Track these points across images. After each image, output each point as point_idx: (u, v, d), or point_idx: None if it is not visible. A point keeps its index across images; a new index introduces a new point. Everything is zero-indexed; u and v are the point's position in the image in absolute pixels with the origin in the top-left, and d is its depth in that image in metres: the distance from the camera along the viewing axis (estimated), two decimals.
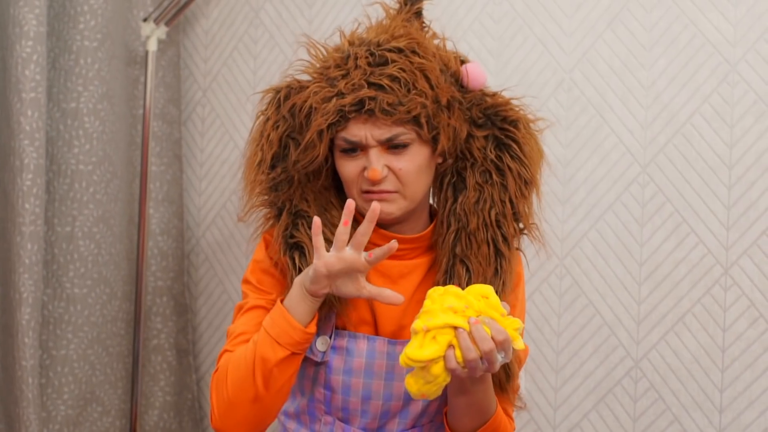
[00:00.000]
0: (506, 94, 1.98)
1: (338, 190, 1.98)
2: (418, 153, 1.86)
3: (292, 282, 1.88)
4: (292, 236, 1.91)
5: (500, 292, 1.90)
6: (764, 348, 2.41)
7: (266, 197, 1.94)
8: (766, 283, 2.40)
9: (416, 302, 1.93)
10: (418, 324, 1.68)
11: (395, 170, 1.84)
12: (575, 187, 2.60)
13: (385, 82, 1.80)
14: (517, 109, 1.95)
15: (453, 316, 1.67)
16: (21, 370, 2.59)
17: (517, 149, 1.91)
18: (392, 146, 1.84)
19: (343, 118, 1.82)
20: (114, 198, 2.88)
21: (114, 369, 2.92)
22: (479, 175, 1.91)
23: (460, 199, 1.91)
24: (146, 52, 2.90)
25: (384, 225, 1.93)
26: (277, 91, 1.94)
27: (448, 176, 1.94)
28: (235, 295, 3.07)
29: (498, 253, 1.91)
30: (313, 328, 1.82)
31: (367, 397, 1.91)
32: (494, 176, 1.91)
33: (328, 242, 1.88)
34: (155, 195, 3.03)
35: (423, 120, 1.82)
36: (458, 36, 2.71)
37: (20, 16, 2.56)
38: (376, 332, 1.93)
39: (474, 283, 1.87)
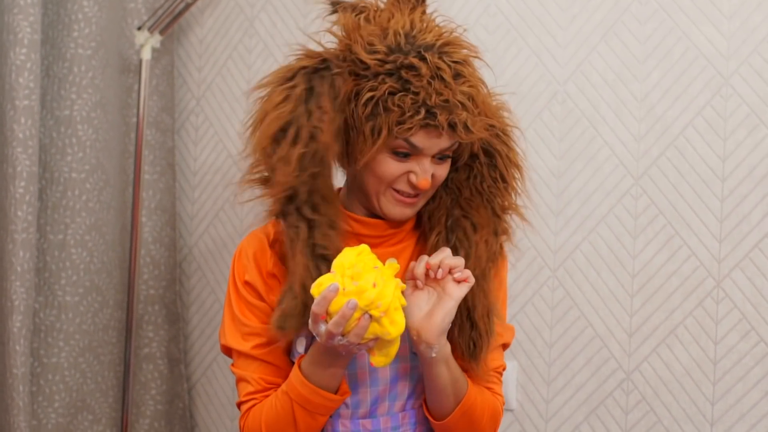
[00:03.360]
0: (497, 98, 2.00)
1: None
2: (449, 159, 1.91)
3: (299, 287, 1.85)
4: (323, 246, 1.86)
5: (497, 252, 1.95)
6: (756, 361, 2.41)
7: (303, 200, 1.86)
8: (758, 296, 2.41)
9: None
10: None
11: (436, 176, 1.88)
12: (568, 198, 2.60)
13: (464, 99, 1.81)
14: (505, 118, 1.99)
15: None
16: (12, 377, 2.59)
17: (504, 137, 1.95)
18: (440, 156, 1.87)
19: (421, 128, 1.81)
20: (107, 206, 2.88)
21: (105, 377, 2.92)
22: (468, 158, 1.94)
23: (450, 176, 1.94)
24: (140, 61, 2.90)
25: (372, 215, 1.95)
26: (319, 69, 1.86)
27: None
28: None
29: (495, 214, 1.95)
30: (346, 388, 1.87)
31: (354, 386, 1.91)
32: (482, 157, 1.93)
33: (329, 220, 1.87)
34: (148, 203, 3.02)
35: (486, 133, 1.88)
36: None
37: (14, 23, 2.56)
38: None
39: (481, 232, 1.92)
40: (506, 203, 1.96)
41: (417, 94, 1.78)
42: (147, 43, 2.90)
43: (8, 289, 2.58)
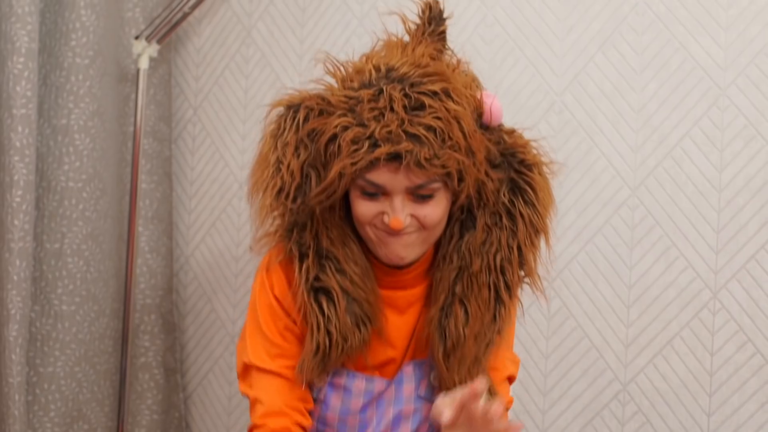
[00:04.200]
0: (524, 134, 1.93)
1: (351, 220, 1.88)
2: (442, 199, 1.80)
3: (314, 328, 1.83)
4: (317, 279, 1.83)
5: (492, 342, 1.88)
6: (752, 372, 2.41)
7: (287, 232, 1.86)
8: (755, 307, 2.40)
9: (419, 330, 1.92)
10: None
11: (419, 217, 1.78)
12: (565, 209, 2.60)
13: (422, 131, 1.70)
14: (534, 152, 1.89)
15: None
16: (7, 387, 2.58)
17: (532, 195, 1.86)
18: (418, 195, 1.77)
19: (372, 164, 1.72)
20: (103, 215, 2.87)
21: (101, 387, 2.91)
22: (489, 217, 1.85)
23: (466, 238, 1.86)
24: (137, 70, 2.90)
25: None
26: (292, 107, 1.83)
27: (457, 212, 1.87)
28: (223, 314, 3.06)
29: (498, 299, 1.86)
30: None
31: (363, 428, 1.91)
32: (504, 220, 1.85)
33: (343, 274, 1.83)
34: (145, 213, 3.02)
35: (454, 173, 1.75)
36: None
37: (12, 32, 2.56)
38: (381, 361, 1.91)
39: (472, 326, 1.84)
40: (517, 278, 1.88)
41: (366, 127, 1.71)
42: (144, 53, 2.90)
43: (4, 297, 2.58)
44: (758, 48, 2.41)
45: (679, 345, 2.49)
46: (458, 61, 1.88)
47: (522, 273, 1.89)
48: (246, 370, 1.93)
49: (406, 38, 1.90)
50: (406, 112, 1.71)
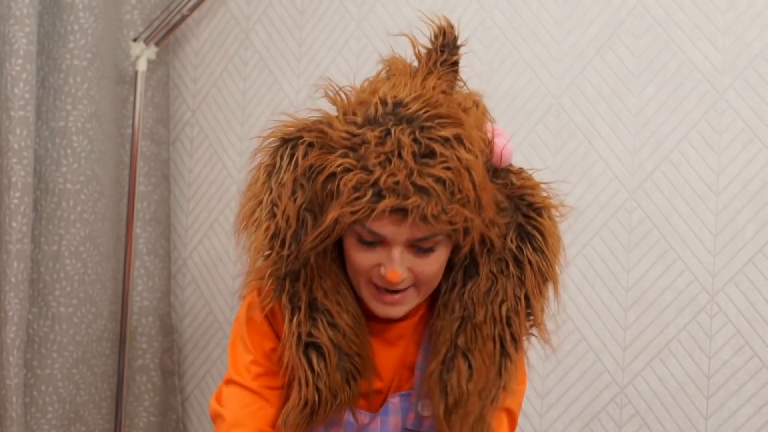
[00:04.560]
0: (534, 175, 1.79)
1: (343, 260, 1.74)
2: (443, 252, 1.67)
3: (302, 382, 1.72)
4: (309, 334, 1.70)
5: (497, 398, 1.74)
6: (749, 376, 2.41)
7: (279, 280, 1.70)
8: (752, 310, 2.41)
9: (410, 361, 1.82)
10: None
11: (416, 272, 1.64)
12: (562, 212, 2.60)
13: (431, 184, 1.54)
14: (544, 194, 1.76)
15: None
16: (5, 389, 2.58)
17: (541, 241, 1.72)
18: (419, 248, 1.62)
19: (374, 213, 1.57)
20: (101, 217, 2.87)
21: (98, 389, 2.91)
22: (494, 264, 1.70)
23: (469, 286, 1.71)
24: (136, 72, 2.90)
25: None
26: (288, 141, 1.68)
27: (460, 259, 1.72)
28: (221, 316, 3.06)
29: (504, 352, 1.72)
30: None
31: None
32: (511, 267, 1.70)
33: (335, 329, 1.71)
34: (142, 215, 3.02)
35: (461, 229, 1.61)
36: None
37: (10, 34, 2.56)
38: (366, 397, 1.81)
39: (476, 381, 1.71)
40: (524, 330, 1.73)
41: (370, 172, 1.55)
42: (143, 55, 2.90)
43: (2, 299, 2.58)
44: (756, 52, 2.41)
45: (677, 348, 2.49)
46: (470, 95, 1.75)
47: (529, 324, 1.75)
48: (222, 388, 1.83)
49: (415, 62, 1.76)
50: (415, 160, 1.55)
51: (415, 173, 1.54)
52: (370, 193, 1.55)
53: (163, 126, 3.07)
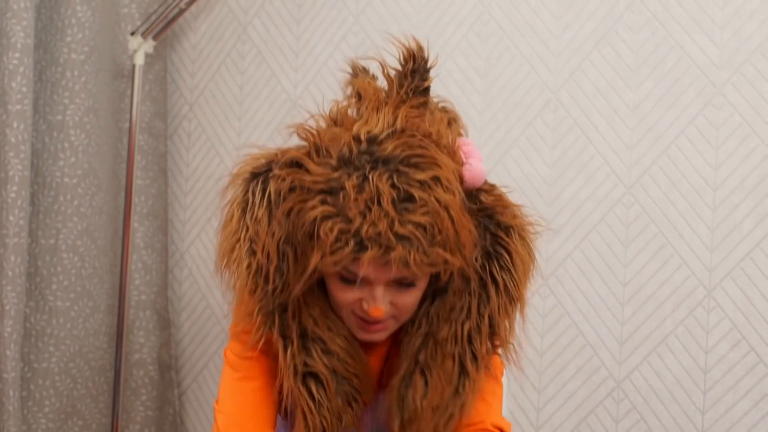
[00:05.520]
0: (504, 194, 1.75)
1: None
2: (422, 285, 1.66)
3: (306, 412, 1.72)
4: (305, 364, 1.70)
5: (455, 417, 1.73)
6: (746, 370, 2.41)
7: (268, 315, 1.69)
8: (749, 305, 2.41)
9: (388, 367, 1.84)
10: None
11: (397, 304, 1.65)
12: (560, 207, 2.60)
13: (411, 230, 1.53)
14: (514, 213, 1.71)
15: None
16: (2, 382, 2.58)
17: (507, 260, 1.69)
18: (400, 284, 1.62)
19: (355, 260, 1.56)
20: (98, 211, 2.87)
21: (96, 383, 2.91)
22: (461, 281, 1.69)
23: (436, 303, 1.71)
24: (133, 66, 2.90)
25: None
26: (258, 175, 1.67)
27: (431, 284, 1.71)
28: (218, 310, 3.06)
29: (463, 371, 1.71)
30: None
31: None
32: (474, 285, 1.69)
33: (330, 355, 1.71)
34: (140, 209, 3.02)
35: (441, 268, 1.59)
36: (445, 54, 2.72)
37: (7, 27, 2.56)
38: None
39: (430, 398, 1.70)
40: (485, 349, 1.72)
41: (350, 221, 1.53)
42: (140, 49, 2.89)
43: None
44: (753, 46, 2.41)
45: (674, 343, 2.49)
46: (444, 114, 1.72)
47: (492, 343, 1.73)
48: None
49: (385, 84, 1.72)
50: (394, 208, 1.53)
51: (396, 222, 1.52)
52: (352, 243, 1.53)
53: (161, 120, 3.07)
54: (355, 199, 1.53)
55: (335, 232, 1.53)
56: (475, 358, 1.70)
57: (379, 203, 1.52)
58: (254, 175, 1.67)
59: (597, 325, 2.57)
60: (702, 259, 2.46)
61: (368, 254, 1.53)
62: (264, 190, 1.64)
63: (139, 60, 2.90)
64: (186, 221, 3.13)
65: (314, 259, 1.56)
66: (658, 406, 2.51)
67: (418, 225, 1.53)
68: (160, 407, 3.09)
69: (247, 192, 1.66)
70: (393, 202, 1.53)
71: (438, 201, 1.55)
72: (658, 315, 2.51)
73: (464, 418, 1.76)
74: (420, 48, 1.68)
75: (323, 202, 1.55)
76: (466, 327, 1.69)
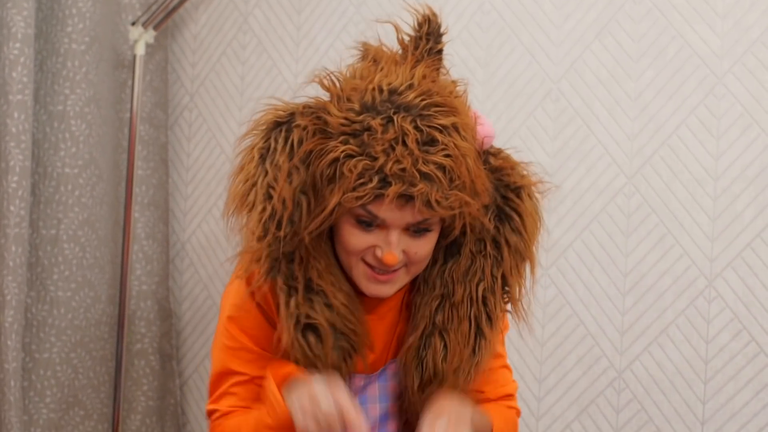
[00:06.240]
0: (511, 155, 1.84)
1: (333, 241, 1.77)
2: (435, 234, 1.71)
3: (300, 360, 1.74)
4: (307, 316, 1.72)
5: (472, 375, 1.80)
6: (747, 360, 2.41)
7: (275, 261, 1.71)
8: (750, 295, 2.41)
9: (399, 333, 1.87)
10: None
11: (410, 253, 1.69)
12: (561, 197, 2.60)
13: (433, 171, 1.59)
14: (523, 173, 1.79)
15: None
16: (3, 373, 2.58)
17: (519, 221, 1.76)
18: (415, 230, 1.67)
19: (376, 197, 1.61)
20: (99, 201, 2.87)
21: (97, 373, 2.91)
22: (474, 244, 1.76)
23: (450, 264, 1.77)
24: (134, 56, 2.90)
25: None
26: (281, 124, 1.70)
27: (442, 238, 1.76)
28: (220, 300, 3.06)
29: (479, 332, 1.77)
30: None
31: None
32: (489, 247, 1.76)
33: (331, 309, 1.73)
34: (141, 199, 3.02)
35: (457, 213, 1.66)
36: (446, 44, 2.71)
37: (8, 17, 2.56)
38: (362, 366, 1.84)
39: (450, 360, 1.77)
40: (499, 309, 1.79)
41: (374, 159, 1.59)
42: (141, 39, 2.89)
43: (0, 284, 2.58)
44: (755, 36, 2.41)
45: (675, 333, 2.49)
46: (454, 83, 1.77)
47: (505, 301, 1.81)
48: (221, 378, 1.85)
49: (399, 50, 1.78)
50: (418, 148, 1.59)
51: (420, 161, 1.59)
52: (375, 179, 1.59)
53: (162, 110, 3.07)
54: (380, 139, 1.59)
55: (359, 168, 1.59)
56: (489, 319, 1.78)
57: (404, 143, 1.59)
58: (277, 124, 1.70)
59: (598, 315, 2.57)
60: (703, 249, 2.46)
61: (392, 189, 1.58)
62: (287, 139, 1.68)
63: (140, 50, 2.90)
64: (187, 211, 3.13)
65: (335, 198, 1.61)
66: (659, 396, 2.51)
67: (439, 166, 1.59)
68: (162, 397, 3.09)
69: (268, 139, 1.70)
70: (417, 142, 1.59)
71: (457, 147, 1.62)
72: (659, 305, 2.51)
73: (481, 377, 1.83)
74: (434, 14, 1.77)
75: (345, 143, 1.61)
76: (481, 288, 1.76)
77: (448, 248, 1.78)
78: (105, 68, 2.89)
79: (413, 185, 1.59)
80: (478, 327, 1.77)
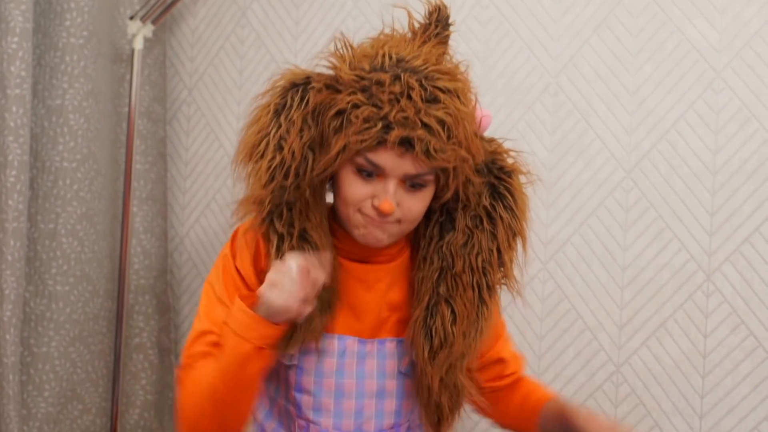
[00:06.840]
0: (503, 143, 1.98)
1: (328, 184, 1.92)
2: (429, 193, 1.83)
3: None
4: None
5: (476, 340, 1.92)
6: (745, 354, 2.42)
7: (277, 207, 1.84)
8: (748, 289, 2.41)
9: (388, 302, 1.96)
10: None
11: (404, 207, 1.80)
12: (560, 191, 2.60)
13: (434, 123, 1.72)
14: (513, 160, 1.94)
15: None
16: (2, 367, 2.58)
17: (511, 200, 1.91)
18: (411, 184, 1.79)
19: (379, 144, 1.73)
20: (98, 196, 2.87)
21: (95, 367, 2.92)
22: (470, 219, 1.90)
23: (447, 239, 1.90)
24: (132, 50, 2.90)
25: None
26: (298, 85, 1.85)
27: (437, 214, 1.92)
28: None
29: (481, 300, 1.91)
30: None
31: (339, 395, 1.92)
32: (485, 223, 1.90)
33: (315, 247, 1.84)
34: (139, 193, 3.02)
35: (451, 170, 1.78)
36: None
37: (6, 12, 2.55)
38: (351, 331, 1.94)
39: (459, 324, 1.90)
40: (498, 278, 1.93)
41: (380, 108, 1.72)
42: (139, 33, 2.89)
43: None
44: (753, 30, 2.41)
45: (673, 327, 2.50)
46: (459, 65, 1.87)
47: (500, 274, 1.94)
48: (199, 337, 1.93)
49: (409, 34, 1.91)
50: (422, 101, 1.72)
51: (423, 111, 1.71)
52: (380, 124, 1.71)
53: (160, 104, 3.06)
54: (387, 91, 1.72)
55: (365, 113, 1.72)
56: (489, 287, 1.92)
57: (409, 96, 1.72)
58: (294, 84, 1.85)
59: (596, 309, 2.57)
60: (701, 243, 2.46)
61: (395, 132, 1.70)
62: (302, 98, 1.83)
63: (138, 44, 2.89)
64: (185, 205, 3.13)
65: (341, 142, 1.74)
66: (657, 390, 2.52)
67: (439, 120, 1.72)
68: (160, 391, 3.10)
69: (285, 97, 1.84)
70: (421, 97, 1.72)
71: (457, 109, 1.75)
72: (657, 299, 2.51)
73: (483, 345, 1.98)
74: (444, 5, 1.92)
75: (353, 94, 1.74)
76: (479, 260, 1.89)
77: (442, 225, 1.91)
78: (103, 62, 2.89)
79: (414, 131, 1.71)
80: (480, 295, 1.91)
